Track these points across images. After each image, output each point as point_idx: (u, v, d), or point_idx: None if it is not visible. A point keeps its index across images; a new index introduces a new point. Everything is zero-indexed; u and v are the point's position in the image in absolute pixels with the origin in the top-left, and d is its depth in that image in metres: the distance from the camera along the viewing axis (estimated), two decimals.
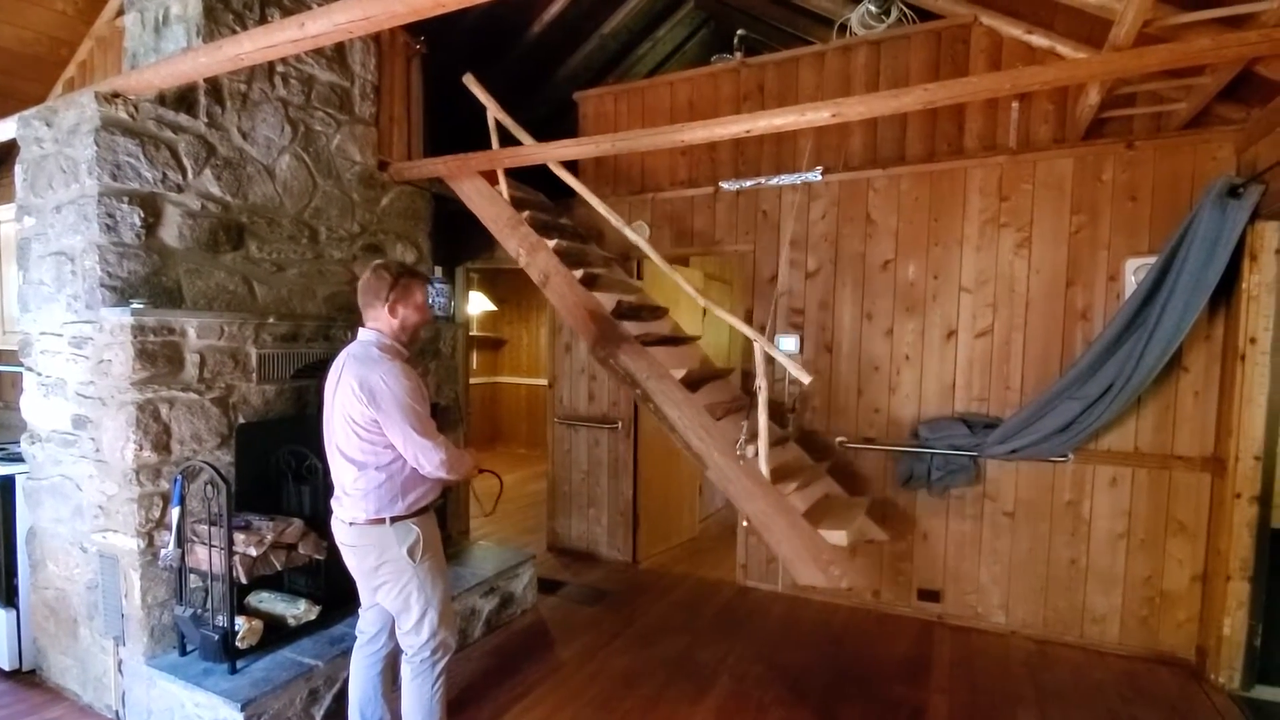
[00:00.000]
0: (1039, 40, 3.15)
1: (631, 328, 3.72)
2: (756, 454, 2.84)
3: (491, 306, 8.15)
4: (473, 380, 8.22)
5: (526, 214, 3.44)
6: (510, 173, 3.66)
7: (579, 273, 3.28)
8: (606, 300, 3.32)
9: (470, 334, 8.04)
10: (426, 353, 3.58)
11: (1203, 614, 3.04)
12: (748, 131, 2.66)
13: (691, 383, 3.35)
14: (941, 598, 3.50)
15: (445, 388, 3.72)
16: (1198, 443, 3.04)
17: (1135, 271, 3.06)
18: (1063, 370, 3.17)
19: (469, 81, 3.53)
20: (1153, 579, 3.14)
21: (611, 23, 5.27)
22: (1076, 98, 3.05)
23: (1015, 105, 3.25)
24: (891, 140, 3.58)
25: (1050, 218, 3.22)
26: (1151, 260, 2.94)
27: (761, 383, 2.82)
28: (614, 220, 3.35)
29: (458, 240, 4.62)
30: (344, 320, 3.09)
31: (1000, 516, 3.37)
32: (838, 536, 2.73)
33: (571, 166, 4.52)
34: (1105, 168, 3.11)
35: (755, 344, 2.92)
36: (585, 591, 3.80)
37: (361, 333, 2.15)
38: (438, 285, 3.62)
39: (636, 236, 3.34)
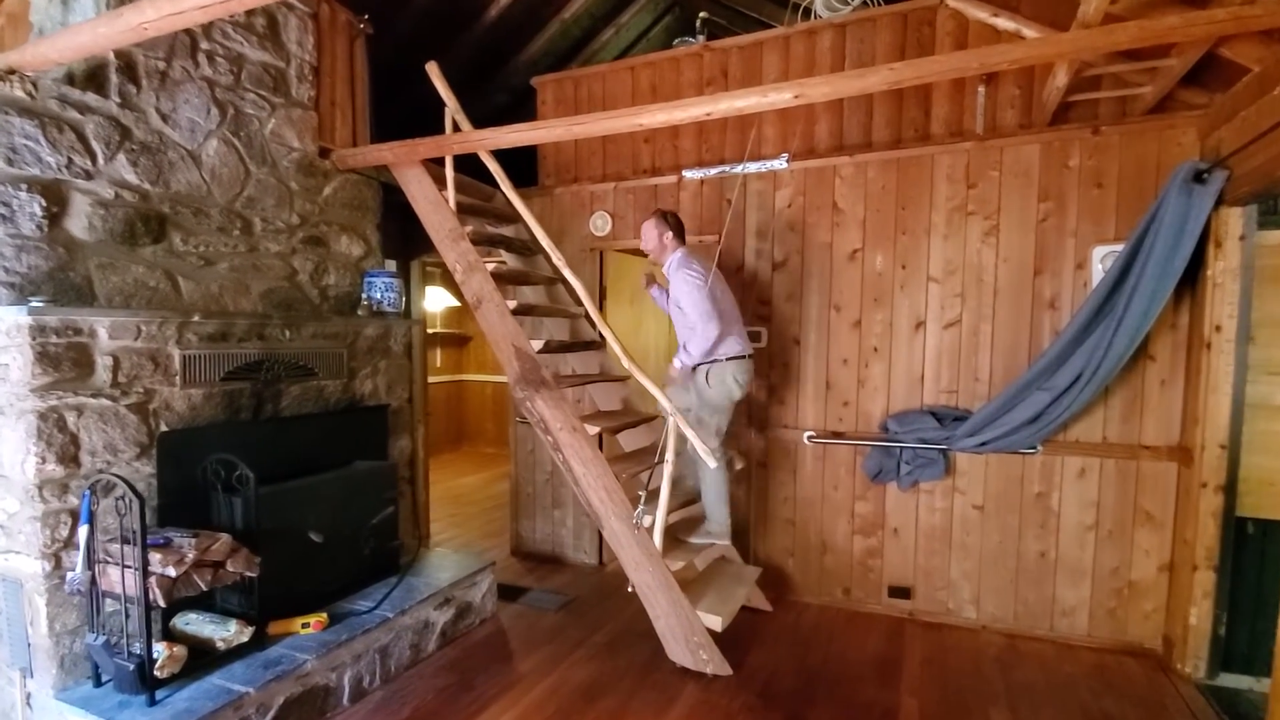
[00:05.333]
0: (1005, 23, 3.08)
1: (568, 361, 3.69)
2: (653, 524, 2.87)
3: (455, 302, 7.90)
4: (437, 379, 7.99)
5: (469, 229, 3.30)
6: (466, 169, 3.50)
7: (512, 303, 3.18)
8: (537, 336, 3.30)
9: (433, 331, 7.81)
10: (375, 351, 3.38)
11: (1169, 604, 3.01)
12: (708, 114, 2.52)
13: (614, 428, 3.41)
14: (912, 594, 3.43)
15: (396, 388, 3.53)
16: (1165, 432, 3.01)
17: (1102, 259, 3.02)
18: (1031, 361, 3.12)
19: (431, 71, 3.35)
20: (1120, 570, 3.11)
21: (572, 7, 5.08)
22: (1044, 81, 2.98)
23: (981, 90, 3.18)
24: (858, 126, 3.48)
25: (1018, 205, 3.16)
26: (1118, 248, 2.90)
27: (670, 455, 2.89)
28: (536, 230, 3.30)
29: (413, 233, 4.41)
30: (280, 317, 2.88)
31: (970, 510, 3.32)
32: (713, 621, 2.85)
33: (531, 156, 4.41)
34: (1072, 154, 3.06)
35: (669, 418, 2.92)
36: (549, 597, 3.65)
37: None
38: (384, 279, 3.42)
39: (563, 266, 3.27)
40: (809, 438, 3.56)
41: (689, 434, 2.95)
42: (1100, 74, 2.80)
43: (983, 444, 3.14)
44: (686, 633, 2.84)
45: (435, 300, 7.65)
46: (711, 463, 2.92)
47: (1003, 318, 3.22)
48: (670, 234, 3.15)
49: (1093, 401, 3.01)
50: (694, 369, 3.14)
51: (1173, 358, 2.99)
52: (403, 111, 4.47)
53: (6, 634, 2.24)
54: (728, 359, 3.08)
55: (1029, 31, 3.01)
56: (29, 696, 2.24)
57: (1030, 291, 3.16)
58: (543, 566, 4.18)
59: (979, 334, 3.26)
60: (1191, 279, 2.83)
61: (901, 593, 3.44)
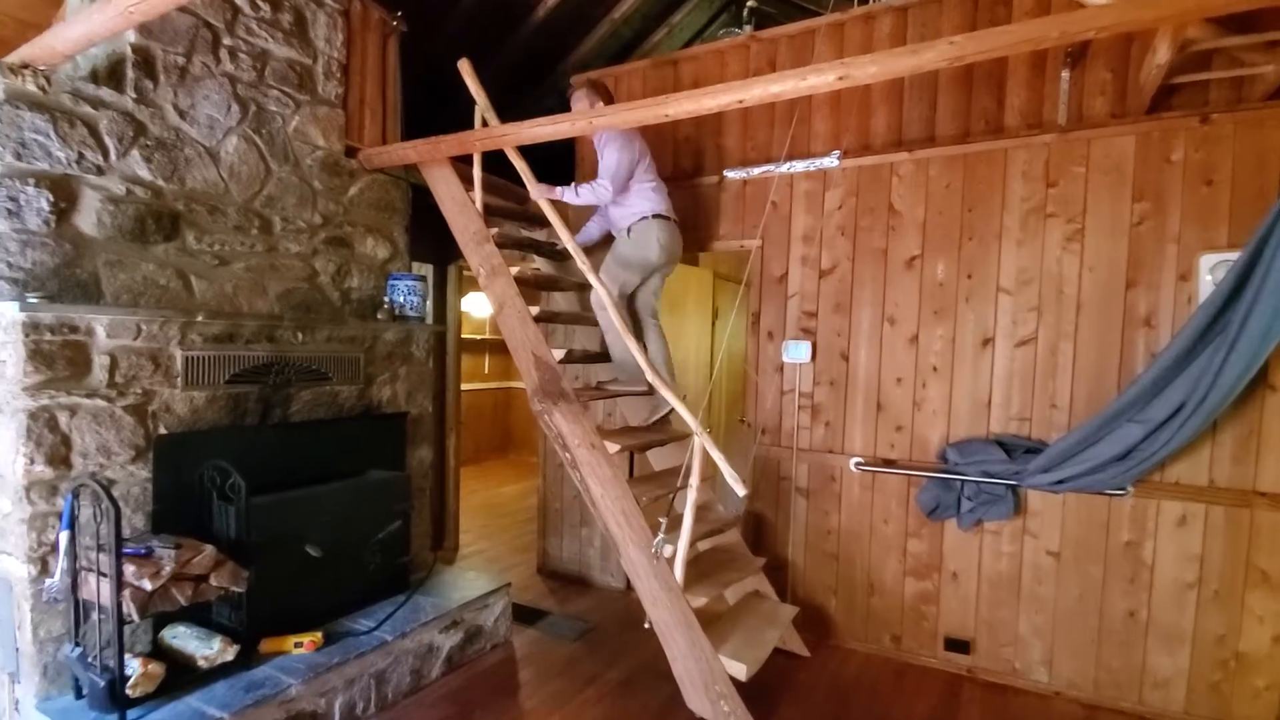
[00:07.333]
0: None
1: (597, 372, 3.46)
2: (674, 554, 2.61)
3: None
4: (484, 385, 7.96)
5: (495, 231, 3.14)
6: (509, 175, 3.36)
7: (535, 309, 3.03)
8: (570, 344, 3.22)
9: (480, 337, 7.79)
10: (395, 356, 3.27)
11: None
12: (740, 101, 2.27)
13: (639, 445, 3.17)
14: (972, 649, 3.02)
15: (417, 395, 3.40)
16: None
17: (1212, 270, 2.57)
18: (1121, 387, 2.69)
19: (463, 68, 3.22)
20: (1227, 638, 2.63)
21: (622, 7, 4.92)
22: (1140, 61, 2.58)
23: (1065, 74, 2.78)
24: (919, 119, 3.13)
25: (1107, 206, 2.74)
26: (1232, 256, 2.45)
27: (695, 480, 2.62)
28: (561, 232, 3.03)
29: (449, 236, 4.32)
30: (293, 319, 2.79)
31: (1044, 557, 2.89)
32: (737, 669, 2.54)
33: (571, 155, 4.24)
34: (1175, 146, 2.62)
35: (695, 438, 2.64)
36: (568, 624, 3.43)
37: None
38: (408, 282, 3.30)
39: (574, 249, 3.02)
40: (856, 464, 3.21)
41: (716, 457, 2.67)
42: (1210, 50, 2.37)
43: (1060, 481, 2.72)
44: (706, 680, 2.55)
45: (482, 306, 7.60)
46: (740, 490, 2.63)
47: (1087, 336, 2.79)
48: (601, 104, 3.11)
49: (1197, 437, 2.56)
50: (616, 231, 3.24)
51: None
52: (452, 116, 4.39)
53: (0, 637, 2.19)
54: (654, 216, 3.12)
55: None
56: (16, 703, 2.19)
57: (1121, 306, 2.73)
58: (567, 588, 3.96)
59: (1058, 354, 2.84)
60: None
61: (960, 646, 3.04)
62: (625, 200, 3.16)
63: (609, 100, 3.18)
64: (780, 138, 3.44)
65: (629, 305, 3.35)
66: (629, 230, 3.17)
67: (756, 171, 3.47)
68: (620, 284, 3.21)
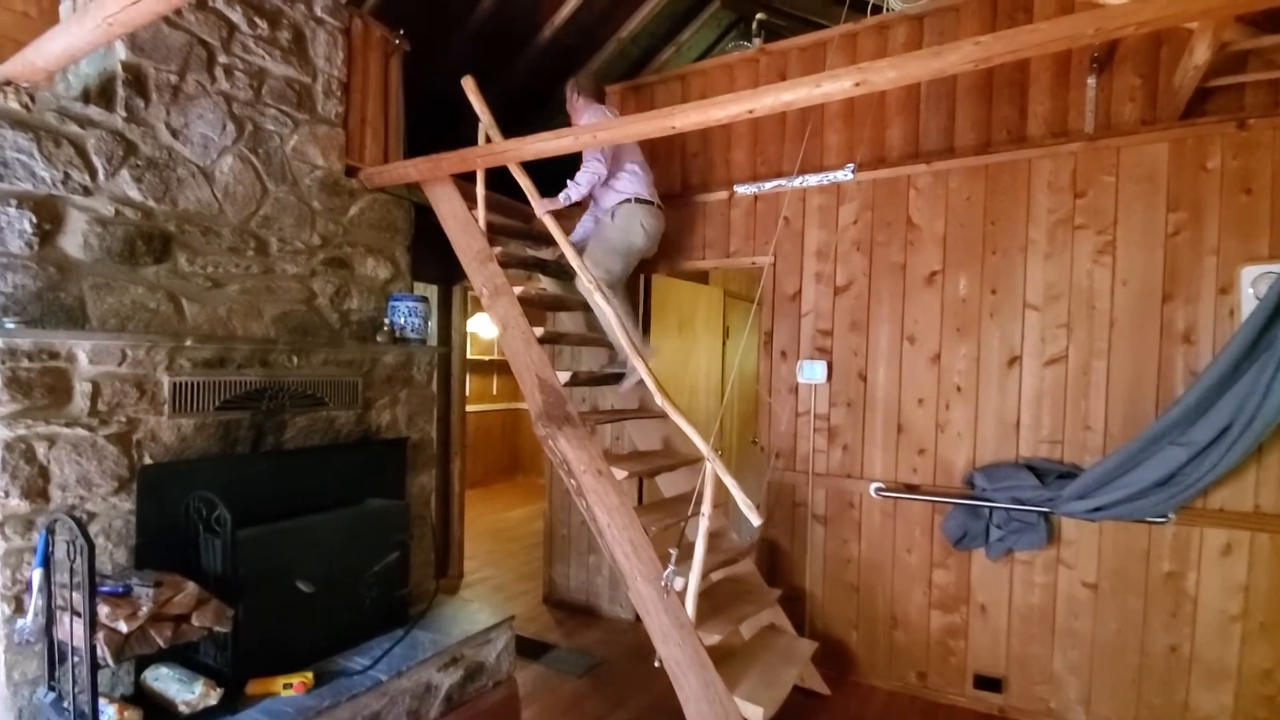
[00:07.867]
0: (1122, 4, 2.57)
1: (607, 395, 3.36)
2: (685, 587, 2.49)
3: None
4: (492, 407, 7.86)
5: (498, 250, 3.05)
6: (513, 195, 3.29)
7: (539, 330, 2.92)
8: (576, 366, 3.14)
9: (489, 358, 7.70)
10: (395, 380, 3.16)
11: None
12: (750, 111, 2.16)
13: (648, 471, 3.03)
14: (1004, 687, 2.84)
15: (418, 420, 3.29)
16: None
17: (1254, 282, 2.42)
18: (1160, 407, 2.53)
19: (467, 85, 3.15)
20: (1274, 673, 2.45)
21: (629, 26, 4.87)
22: (1171, 66, 2.45)
23: (1092, 80, 2.66)
24: (937, 129, 3.02)
25: (1140, 217, 2.60)
26: (1276, 268, 2.31)
27: (707, 507, 2.49)
28: (566, 250, 2.90)
29: (454, 256, 4.24)
30: (288, 342, 2.69)
31: (1079, 589, 2.71)
32: (754, 712, 2.43)
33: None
34: (1211, 153, 2.49)
35: (706, 463, 2.51)
36: (574, 658, 3.27)
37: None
38: (408, 304, 3.20)
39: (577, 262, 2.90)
40: (876, 490, 3.06)
41: (730, 484, 2.53)
42: (1245, 51, 2.25)
43: (1097, 509, 2.55)
44: None
45: (490, 327, 7.54)
46: (755, 520, 2.49)
47: (1121, 354, 2.64)
48: (580, 98, 3.24)
49: (1242, 461, 2.39)
50: (601, 214, 3.22)
51: None
52: (459, 137, 4.33)
53: None
54: (637, 200, 3.13)
55: None
56: None
57: (1158, 322, 2.58)
58: (574, 619, 3.80)
59: (1090, 373, 2.69)
60: None
61: (990, 684, 2.85)
62: (614, 181, 3.16)
63: (598, 93, 3.25)
64: (792, 152, 3.34)
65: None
66: (613, 214, 3.16)
67: (768, 186, 3.36)
68: (608, 271, 3.16)
